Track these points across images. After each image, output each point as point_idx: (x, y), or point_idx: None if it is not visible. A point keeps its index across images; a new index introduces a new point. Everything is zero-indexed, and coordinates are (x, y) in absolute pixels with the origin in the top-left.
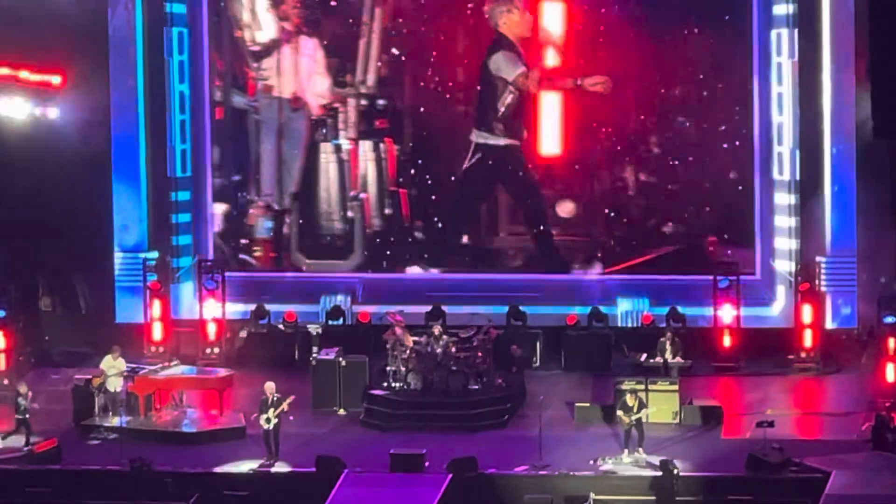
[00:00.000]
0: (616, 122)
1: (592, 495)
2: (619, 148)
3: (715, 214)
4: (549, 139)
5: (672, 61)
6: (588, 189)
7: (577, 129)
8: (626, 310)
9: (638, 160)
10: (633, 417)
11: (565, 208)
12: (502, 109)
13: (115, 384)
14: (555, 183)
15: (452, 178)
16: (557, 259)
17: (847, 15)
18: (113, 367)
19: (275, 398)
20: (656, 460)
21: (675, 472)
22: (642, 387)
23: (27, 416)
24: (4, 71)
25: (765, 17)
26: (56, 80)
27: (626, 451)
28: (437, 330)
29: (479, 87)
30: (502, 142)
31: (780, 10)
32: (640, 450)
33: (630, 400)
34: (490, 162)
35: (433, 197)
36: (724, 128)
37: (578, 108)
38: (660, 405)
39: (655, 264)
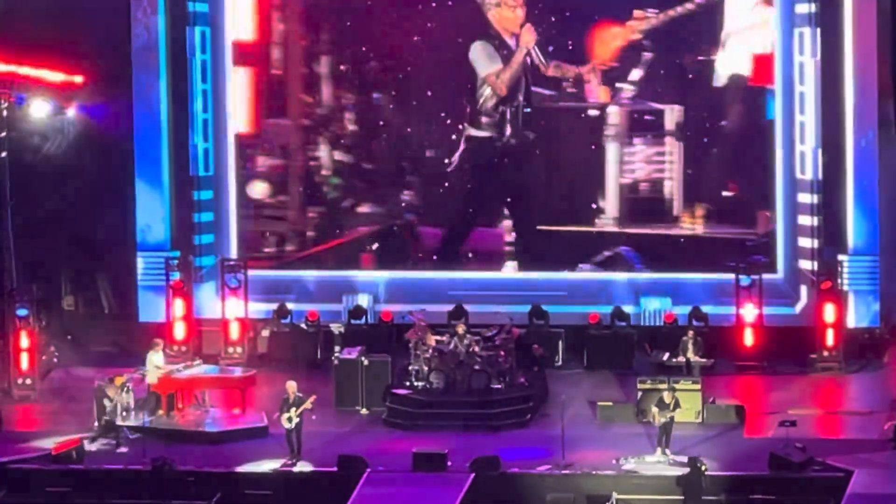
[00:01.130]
0: None
1: (615, 494)
2: None
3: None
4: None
5: None
6: None
7: None
8: (651, 308)
9: None
10: (668, 416)
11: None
12: (481, 101)
13: (153, 379)
14: None
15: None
16: None
17: (869, 14)
18: (156, 363)
19: (297, 397)
20: (683, 459)
21: (704, 468)
22: (665, 385)
23: (114, 417)
24: (27, 71)
25: (787, 16)
26: (78, 79)
27: (658, 449)
28: (461, 329)
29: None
30: (486, 134)
31: (802, 8)
32: (668, 450)
33: (667, 397)
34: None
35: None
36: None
37: None
38: (683, 404)
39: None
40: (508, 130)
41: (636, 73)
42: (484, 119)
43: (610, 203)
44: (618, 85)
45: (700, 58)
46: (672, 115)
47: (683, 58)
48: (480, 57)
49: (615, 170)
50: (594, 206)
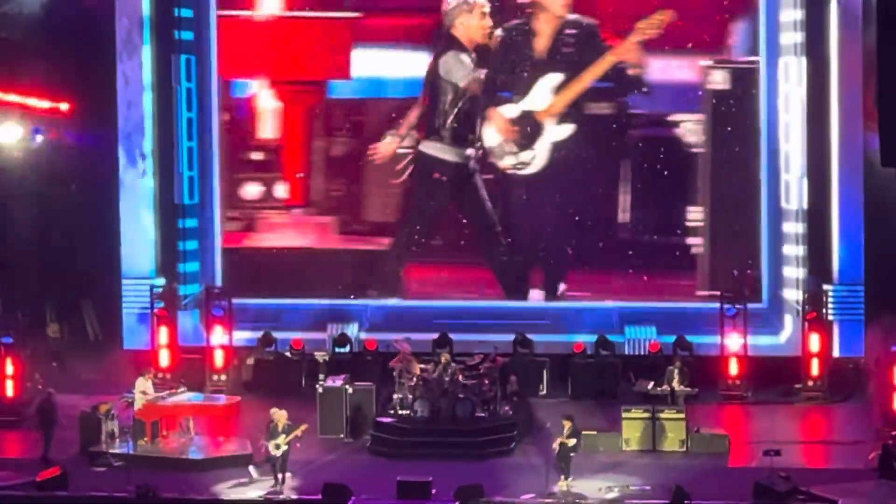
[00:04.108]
0: None
1: None
2: None
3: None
4: None
5: None
6: None
7: None
8: (633, 338)
9: None
10: (564, 443)
11: None
12: (451, 117)
13: (139, 406)
14: None
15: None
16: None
17: (855, 44)
18: (143, 389)
19: (286, 425)
20: (586, 492)
21: (687, 500)
22: (648, 414)
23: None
24: (13, 98)
25: (773, 46)
26: (64, 106)
27: (561, 478)
28: (444, 358)
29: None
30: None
31: (787, 38)
32: (569, 480)
33: (566, 427)
34: (437, 174)
35: None
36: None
37: None
38: (667, 433)
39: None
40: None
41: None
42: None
43: None
44: None
45: None
46: None
47: None
48: (455, 67)
49: None
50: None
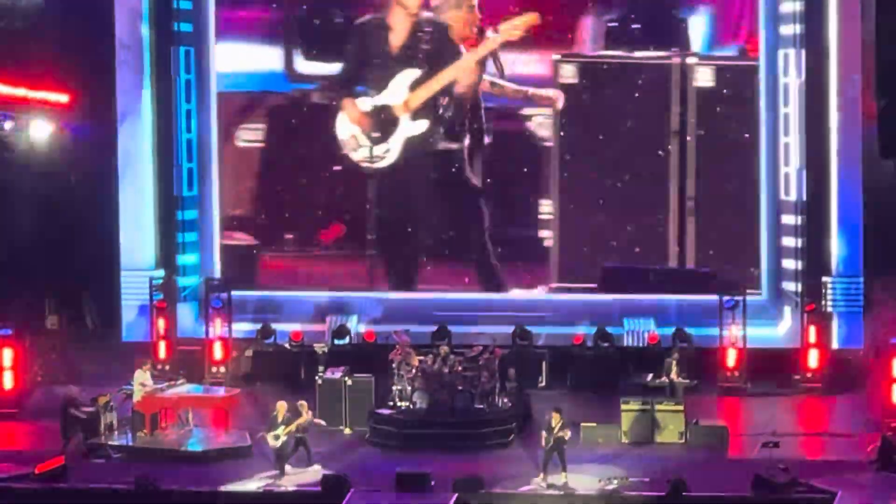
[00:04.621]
0: None
1: None
2: None
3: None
4: None
5: None
6: None
7: None
8: (632, 330)
9: None
10: (554, 437)
11: None
12: (440, 111)
13: (138, 398)
14: None
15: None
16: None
17: (854, 35)
18: (142, 381)
19: (286, 417)
20: (582, 485)
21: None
22: (648, 406)
23: (306, 433)
24: (11, 90)
25: (772, 38)
26: (63, 98)
27: (541, 474)
28: (444, 350)
29: None
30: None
31: (787, 30)
32: (564, 474)
33: (554, 420)
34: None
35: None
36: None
37: None
38: (666, 425)
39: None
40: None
41: None
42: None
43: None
44: None
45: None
46: None
47: None
48: None
49: None
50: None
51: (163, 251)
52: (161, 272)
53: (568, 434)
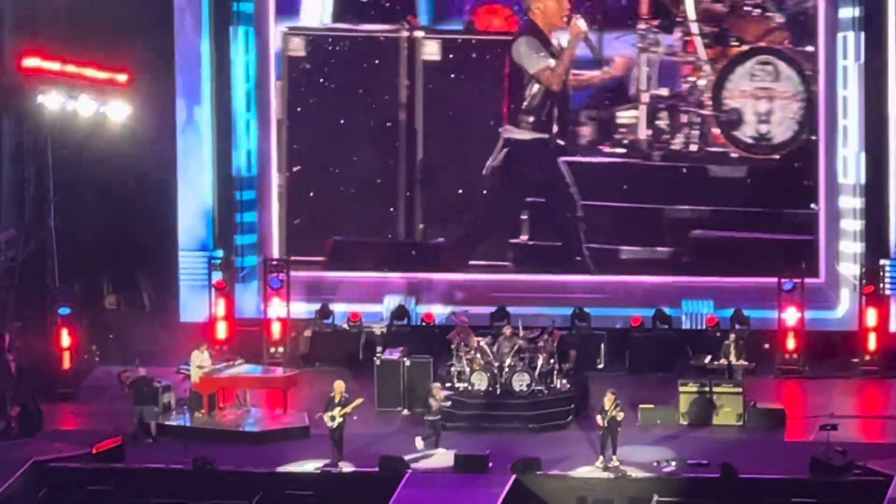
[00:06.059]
0: None
1: (656, 497)
2: None
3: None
4: None
5: None
6: None
7: None
8: (690, 312)
9: None
10: (606, 420)
11: None
12: (527, 101)
13: (195, 379)
14: None
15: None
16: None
17: None
18: (199, 363)
19: (343, 397)
20: (633, 471)
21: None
22: (706, 388)
23: (439, 417)
24: (71, 69)
25: (831, 20)
26: (122, 77)
27: (600, 456)
28: (507, 330)
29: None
30: (528, 136)
31: (845, 12)
32: (614, 457)
33: (607, 402)
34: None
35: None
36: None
37: None
38: (724, 407)
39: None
40: (555, 129)
41: None
42: (530, 118)
43: None
44: None
45: None
46: None
47: None
48: (528, 53)
49: None
50: None
51: (221, 231)
52: (219, 252)
53: (621, 415)
